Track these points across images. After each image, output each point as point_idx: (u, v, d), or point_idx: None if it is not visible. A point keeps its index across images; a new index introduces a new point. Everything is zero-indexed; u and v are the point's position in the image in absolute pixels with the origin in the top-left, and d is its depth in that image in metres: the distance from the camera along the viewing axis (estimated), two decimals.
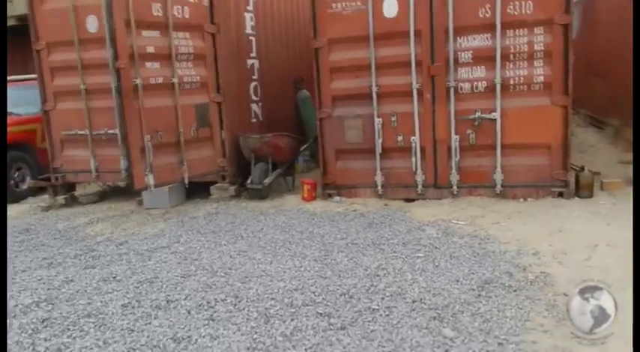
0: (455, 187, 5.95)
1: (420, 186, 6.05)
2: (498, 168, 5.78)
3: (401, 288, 3.72)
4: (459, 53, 5.77)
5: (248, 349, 3.08)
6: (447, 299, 3.51)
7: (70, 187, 7.49)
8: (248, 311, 3.56)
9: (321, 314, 3.43)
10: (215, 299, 3.78)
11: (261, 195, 6.70)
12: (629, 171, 6.67)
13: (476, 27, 5.67)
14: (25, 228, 6.25)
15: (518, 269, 3.93)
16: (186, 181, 6.49)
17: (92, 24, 6.46)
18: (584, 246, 4.26)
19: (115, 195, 7.75)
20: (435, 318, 3.26)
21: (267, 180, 6.71)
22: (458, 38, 5.74)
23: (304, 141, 7.60)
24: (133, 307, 3.79)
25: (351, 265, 4.25)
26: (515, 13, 5.54)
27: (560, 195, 5.69)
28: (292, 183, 7.27)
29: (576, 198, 5.66)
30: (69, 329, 3.50)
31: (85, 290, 4.15)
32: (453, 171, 5.93)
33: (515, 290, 3.58)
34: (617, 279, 3.58)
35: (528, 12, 5.51)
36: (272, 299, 3.72)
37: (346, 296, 3.67)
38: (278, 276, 4.13)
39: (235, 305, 3.67)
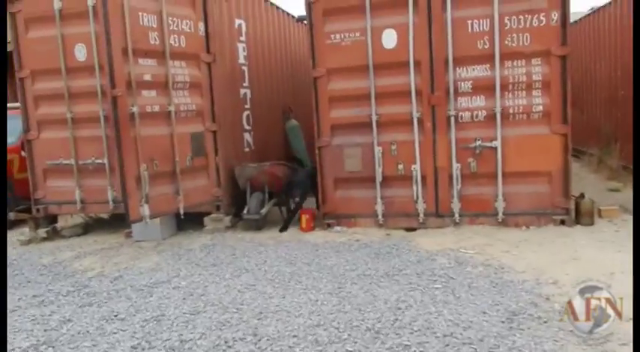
0: (457, 216, 5.92)
1: (421, 215, 6.00)
2: (500, 196, 5.79)
3: (428, 322, 3.58)
4: (459, 83, 5.81)
5: None
6: (479, 332, 3.38)
7: (52, 220, 7.13)
8: (271, 350, 3.34)
9: None
10: (233, 337, 3.55)
11: (257, 225, 6.50)
12: (619, 198, 6.83)
13: (475, 58, 5.74)
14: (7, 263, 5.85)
15: (542, 300, 3.85)
16: (182, 212, 6.23)
17: (80, 52, 6.35)
18: (601, 274, 4.20)
19: (100, 227, 7.40)
20: None
21: (264, 210, 6.52)
22: (457, 68, 5.79)
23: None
24: (143, 349, 3.51)
25: (368, 298, 4.09)
26: (513, 45, 5.63)
27: (562, 222, 5.71)
28: (287, 213, 7.08)
29: (578, 226, 5.69)
30: None
31: (87, 331, 3.85)
32: (455, 199, 5.90)
33: (545, 322, 3.48)
34: None
35: (526, 44, 5.61)
36: (294, 336, 3.51)
37: (372, 331, 3.50)
38: (295, 312, 3.92)
39: (256, 344, 3.45)
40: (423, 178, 5.96)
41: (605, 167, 8.52)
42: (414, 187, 5.96)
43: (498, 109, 5.70)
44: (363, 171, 6.11)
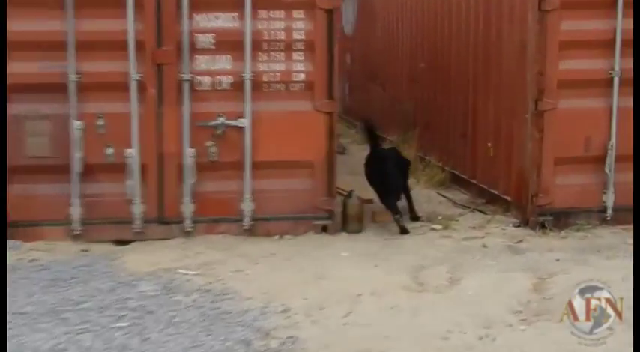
0: (188, 222, 5.87)
1: (138, 222, 5.85)
2: (247, 195, 5.89)
3: None
4: (197, 35, 5.82)
5: None
6: None
7: None
8: None
9: None
10: None
11: None
12: None
13: (219, 2, 5.84)
14: None
15: (259, 335, 3.90)
16: None
17: None
18: (346, 296, 4.48)
19: None
20: None
21: None
22: (195, 15, 5.79)
23: None
24: None
25: (12, 348, 3.70)
26: None
27: (325, 229, 6.02)
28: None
29: (344, 234, 6.04)
30: None
31: None
32: (187, 199, 5.85)
33: None
34: (377, 336, 3.87)
35: None
36: None
37: None
38: None
39: None
40: (143, 168, 5.82)
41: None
42: (129, 182, 5.79)
43: (248, 75, 5.82)
44: (53, 156, 5.77)
